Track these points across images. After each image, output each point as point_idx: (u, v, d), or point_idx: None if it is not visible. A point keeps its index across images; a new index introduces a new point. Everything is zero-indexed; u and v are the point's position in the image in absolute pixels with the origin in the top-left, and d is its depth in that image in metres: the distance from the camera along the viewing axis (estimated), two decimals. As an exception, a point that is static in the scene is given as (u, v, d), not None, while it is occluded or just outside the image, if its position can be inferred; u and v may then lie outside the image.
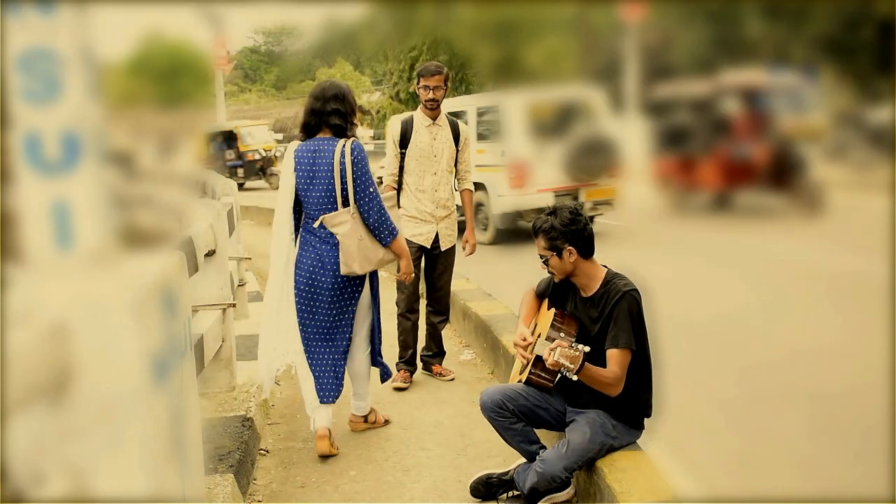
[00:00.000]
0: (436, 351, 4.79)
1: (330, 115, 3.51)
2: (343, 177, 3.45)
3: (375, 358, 3.89)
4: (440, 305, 4.74)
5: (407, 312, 4.62)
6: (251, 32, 47.84)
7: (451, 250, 4.66)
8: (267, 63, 47.29)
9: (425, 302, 4.77)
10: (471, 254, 4.76)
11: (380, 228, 3.52)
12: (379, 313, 3.86)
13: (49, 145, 1.43)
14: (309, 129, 3.57)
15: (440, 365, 4.77)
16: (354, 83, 35.23)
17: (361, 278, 3.64)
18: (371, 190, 3.48)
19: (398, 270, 3.94)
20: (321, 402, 3.66)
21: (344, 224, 3.49)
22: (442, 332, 4.82)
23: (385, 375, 3.98)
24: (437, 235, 4.55)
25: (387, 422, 4.03)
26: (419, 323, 4.73)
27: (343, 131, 3.52)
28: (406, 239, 4.39)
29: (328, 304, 3.60)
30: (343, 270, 3.51)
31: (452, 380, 4.68)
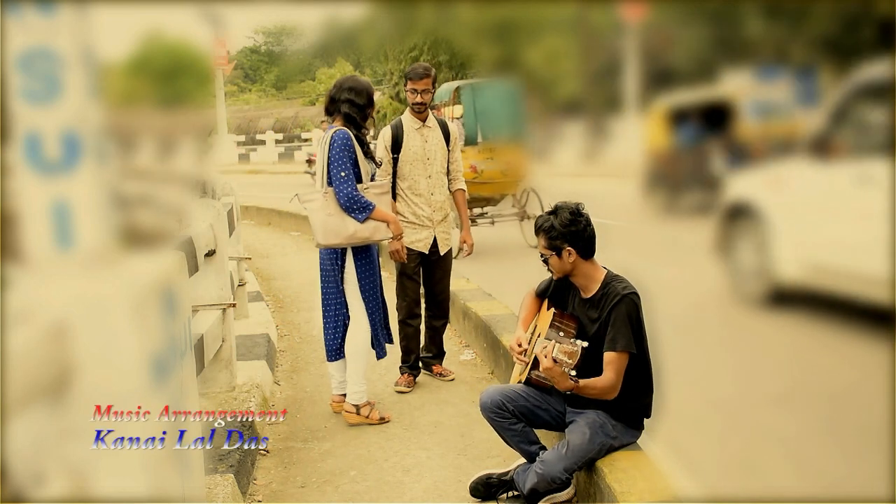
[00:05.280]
0: (436, 352, 4.77)
1: (342, 103, 3.87)
2: (325, 160, 3.84)
3: (375, 339, 4.02)
4: (440, 310, 4.71)
5: (408, 319, 4.58)
6: (251, 32, 47.83)
7: (449, 254, 4.62)
8: (267, 63, 47.27)
9: (425, 306, 4.73)
10: (469, 254, 4.73)
11: (350, 209, 3.77)
12: (377, 297, 4.00)
13: (49, 145, 1.43)
14: (328, 114, 4.00)
15: (440, 365, 4.75)
16: (354, 83, 35.06)
17: (341, 255, 3.92)
18: (342, 174, 3.76)
19: (391, 255, 4.21)
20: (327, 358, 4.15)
21: (314, 201, 3.84)
22: (444, 328, 4.79)
23: (378, 355, 4.12)
24: (434, 240, 4.51)
25: (382, 419, 4.03)
26: (420, 326, 4.71)
27: (352, 119, 3.86)
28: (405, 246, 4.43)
29: (322, 272, 4.04)
30: (315, 242, 3.92)
31: (452, 380, 4.66)
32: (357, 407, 4.00)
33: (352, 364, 3.99)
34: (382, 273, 4.19)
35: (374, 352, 4.09)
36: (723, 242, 4.39)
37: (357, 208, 3.77)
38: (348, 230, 3.79)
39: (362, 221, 3.79)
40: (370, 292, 3.97)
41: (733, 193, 4.00)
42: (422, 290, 4.68)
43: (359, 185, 3.81)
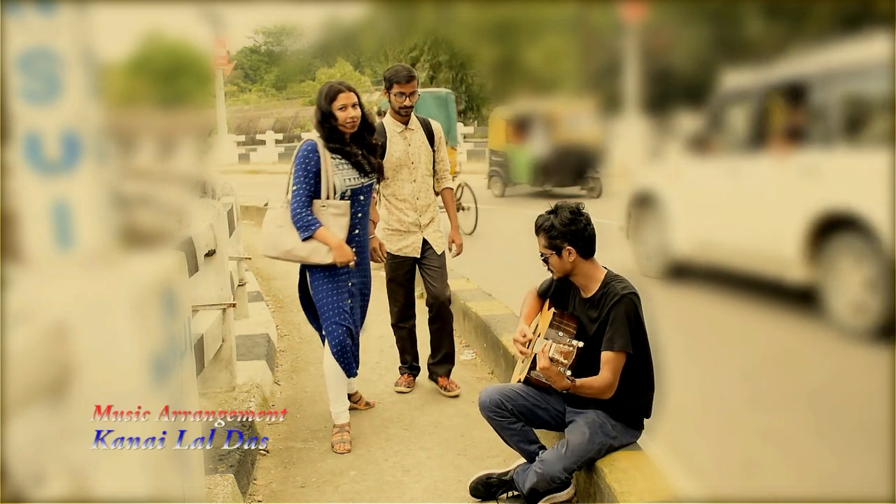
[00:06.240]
0: (441, 357, 4.50)
1: None
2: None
3: (340, 357, 3.77)
4: (441, 310, 4.42)
5: (399, 322, 4.48)
6: (251, 32, 47.86)
7: (444, 254, 4.42)
8: (267, 63, 47.31)
9: (427, 308, 4.50)
10: (458, 254, 4.55)
11: (296, 224, 3.63)
12: (335, 316, 3.73)
13: (49, 145, 1.43)
14: None
15: (446, 377, 4.48)
16: (354, 83, 35.09)
17: (301, 269, 3.84)
18: (294, 187, 3.63)
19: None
20: None
21: (272, 210, 3.73)
22: (451, 329, 4.53)
23: (347, 373, 3.85)
24: (425, 242, 4.32)
25: (332, 445, 3.73)
26: (413, 327, 4.58)
27: (321, 132, 3.70)
28: (392, 254, 4.28)
29: None
30: None
31: (457, 396, 4.38)
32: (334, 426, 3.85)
33: (327, 382, 3.86)
34: (381, 273, 4.14)
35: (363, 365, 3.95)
36: (631, 226, 5.51)
37: (299, 226, 3.60)
38: (286, 246, 3.65)
39: (303, 240, 3.61)
40: (327, 310, 3.73)
41: (640, 184, 4.93)
42: (420, 292, 4.63)
43: (317, 202, 3.62)
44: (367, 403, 4.21)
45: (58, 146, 1.44)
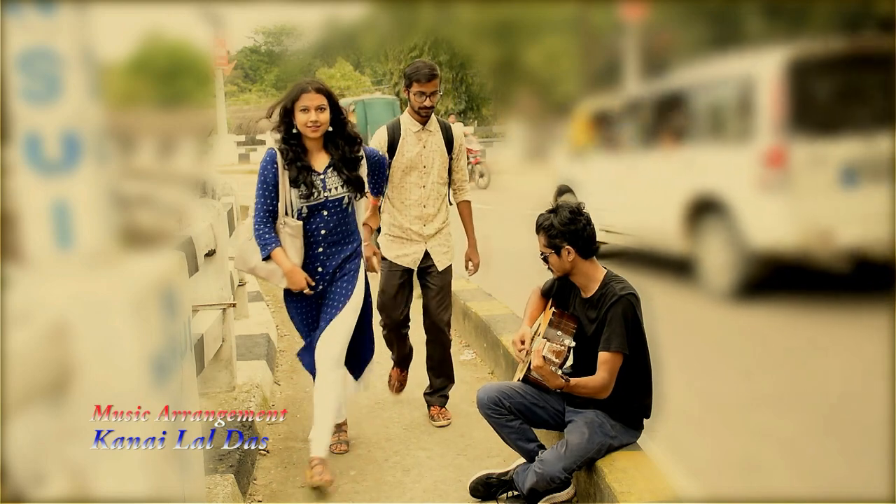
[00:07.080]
0: (436, 388, 4.18)
1: None
2: None
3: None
4: (434, 332, 4.10)
5: (389, 332, 4.18)
6: (251, 32, 47.76)
7: (448, 270, 4.05)
8: (267, 63, 47.23)
9: (424, 329, 4.14)
10: (474, 272, 4.25)
11: (256, 241, 3.36)
12: (300, 329, 3.62)
13: (49, 145, 1.44)
14: None
15: (439, 406, 4.12)
16: (354, 83, 35.12)
17: None
18: (255, 201, 3.35)
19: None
20: None
21: (250, 218, 3.43)
22: (449, 356, 4.19)
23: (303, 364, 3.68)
24: (427, 254, 3.98)
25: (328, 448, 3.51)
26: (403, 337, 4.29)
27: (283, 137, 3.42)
28: (389, 261, 4.00)
29: None
30: None
31: (446, 426, 4.02)
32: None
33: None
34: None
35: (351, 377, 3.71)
36: None
37: (258, 244, 3.33)
38: (250, 262, 3.41)
39: (263, 259, 3.34)
40: (300, 329, 3.60)
41: (563, 175, 5.80)
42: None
43: (282, 217, 3.33)
44: (335, 447, 3.70)
45: (58, 146, 1.44)
